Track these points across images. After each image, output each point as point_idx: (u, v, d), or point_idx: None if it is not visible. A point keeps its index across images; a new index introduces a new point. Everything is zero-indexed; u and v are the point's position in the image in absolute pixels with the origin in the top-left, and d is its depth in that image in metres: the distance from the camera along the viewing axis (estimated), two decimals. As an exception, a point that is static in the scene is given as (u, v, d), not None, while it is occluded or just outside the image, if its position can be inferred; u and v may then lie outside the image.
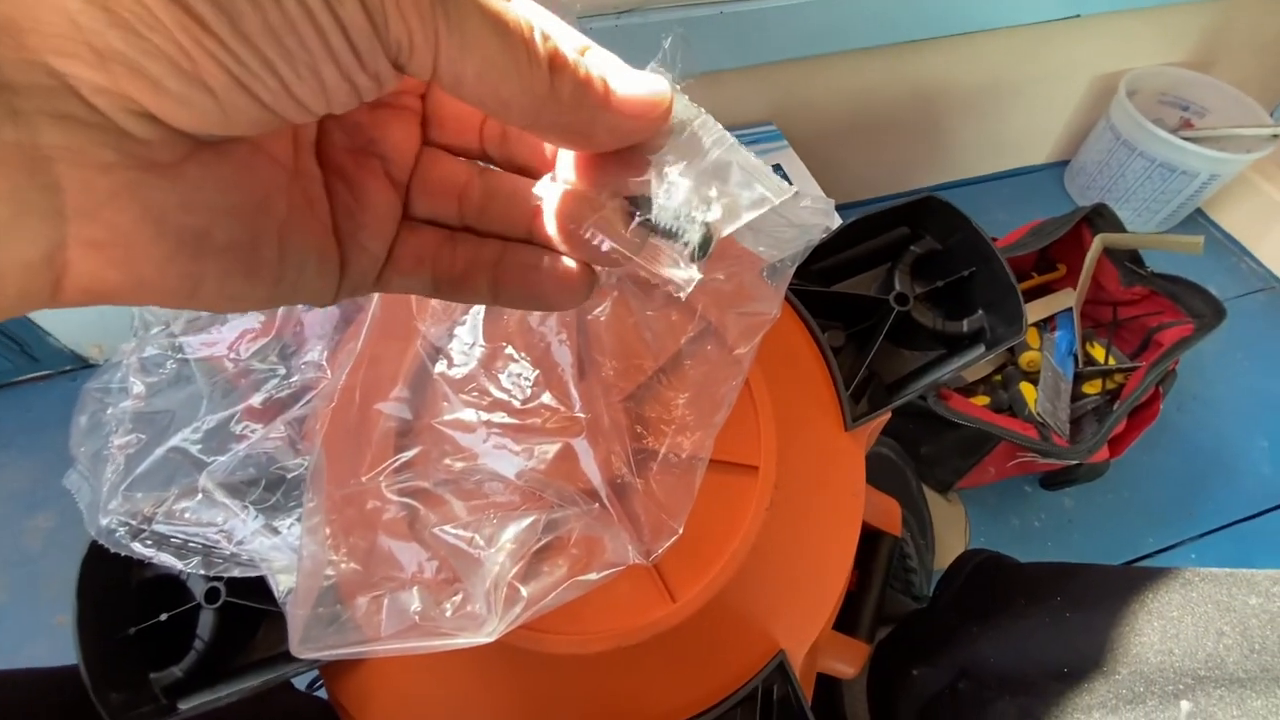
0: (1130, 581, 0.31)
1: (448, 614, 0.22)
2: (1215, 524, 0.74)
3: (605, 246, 0.18)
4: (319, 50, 0.12)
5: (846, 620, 0.44)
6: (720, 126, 0.18)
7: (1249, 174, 0.99)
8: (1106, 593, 0.32)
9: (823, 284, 0.37)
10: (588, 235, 0.18)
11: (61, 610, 0.68)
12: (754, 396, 0.32)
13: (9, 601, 0.68)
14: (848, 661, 0.40)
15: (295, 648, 0.22)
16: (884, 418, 0.34)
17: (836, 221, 0.29)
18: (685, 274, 0.18)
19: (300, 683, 0.51)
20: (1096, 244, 0.74)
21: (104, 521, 0.28)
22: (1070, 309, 0.77)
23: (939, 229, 0.35)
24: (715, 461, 0.31)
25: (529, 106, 0.14)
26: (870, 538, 0.48)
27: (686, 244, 0.18)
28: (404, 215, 0.19)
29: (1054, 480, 0.75)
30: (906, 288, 0.34)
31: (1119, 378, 0.75)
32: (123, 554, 0.27)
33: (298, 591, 0.23)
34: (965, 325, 0.34)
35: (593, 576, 0.23)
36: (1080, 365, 0.76)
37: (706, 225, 0.18)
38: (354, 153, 0.18)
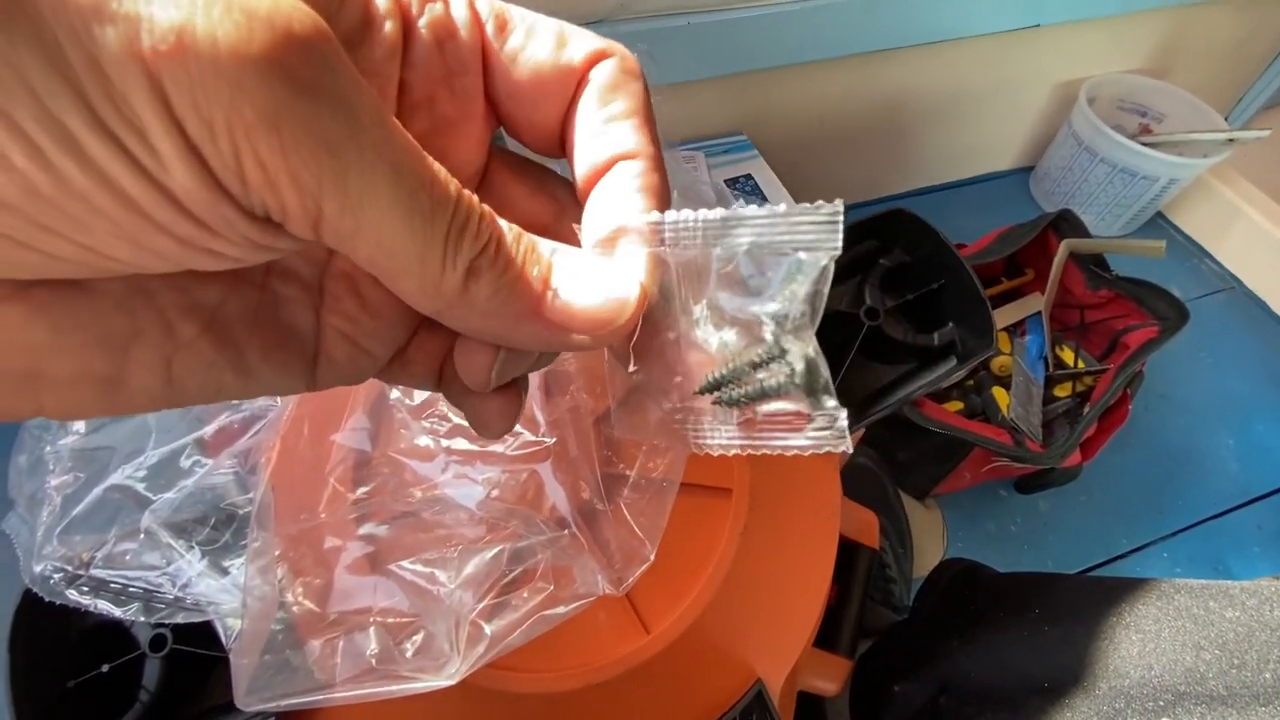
0: (1107, 593, 0.31)
1: (408, 655, 0.21)
2: (1186, 522, 0.75)
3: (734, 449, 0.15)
4: (132, 222, 0.09)
5: (826, 636, 0.44)
6: (701, 217, 0.14)
7: (1207, 177, 1.02)
8: (1084, 605, 0.32)
9: (794, 298, 0.36)
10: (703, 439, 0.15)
11: None
12: (726, 416, 0.31)
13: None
14: (829, 679, 0.39)
15: (241, 698, 0.20)
16: (857, 434, 0.34)
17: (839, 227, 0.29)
18: (825, 424, 0.14)
19: None
20: (1062, 249, 0.75)
21: (38, 569, 0.26)
22: (1039, 313, 0.78)
23: (908, 241, 0.35)
24: (687, 485, 0.30)
25: (429, 304, 0.12)
26: (848, 551, 0.47)
27: (785, 387, 0.14)
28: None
29: (1029, 484, 0.75)
30: (877, 301, 0.34)
31: (1088, 380, 0.76)
32: (58, 602, 0.25)
33: (243, 637, 0.22)
34: (936, 338, 0.34)
35: (561, 610, 0.22)
36: (1051, 369, 0.77)
37: (784, 350, 0.13)
38: None
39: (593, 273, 0.13)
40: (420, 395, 0.27)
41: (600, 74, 0.14)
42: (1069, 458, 0.63)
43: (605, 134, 0.14)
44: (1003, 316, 0.81)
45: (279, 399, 0.29)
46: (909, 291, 0.34)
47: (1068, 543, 0.74)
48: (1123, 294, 0.77)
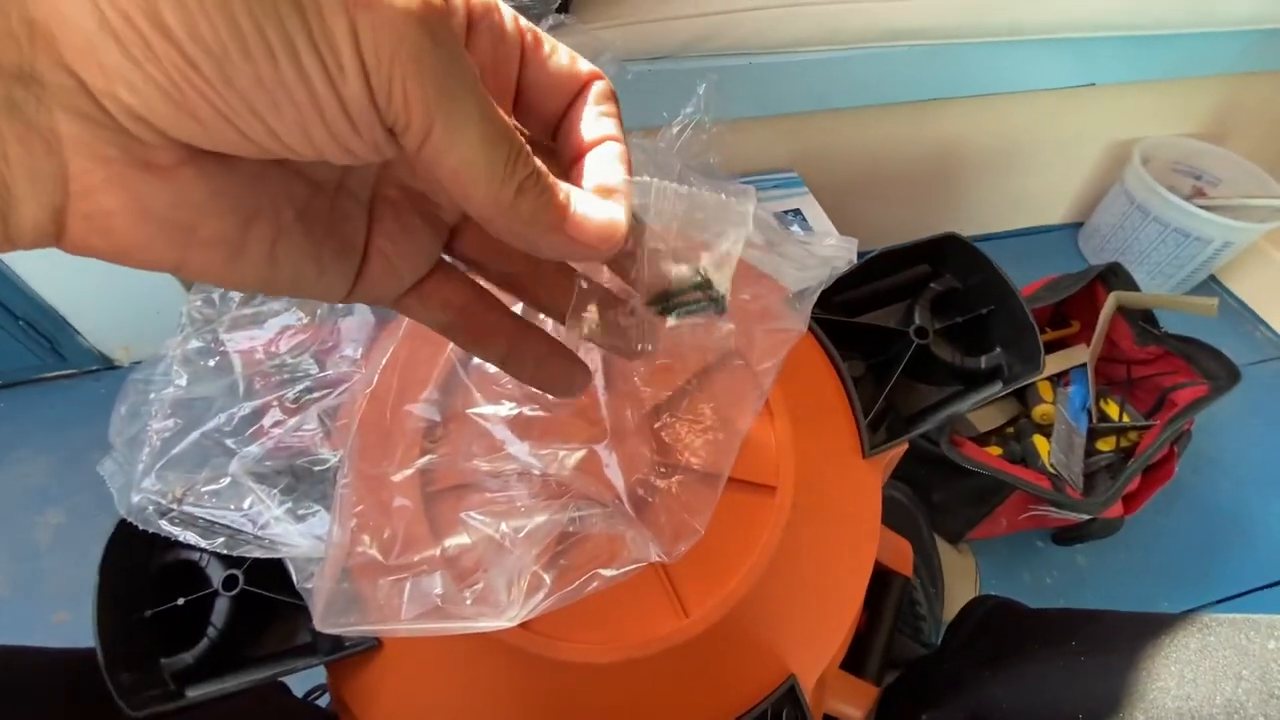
0: (1147, 627, 0.31)
1: (468, 601, 0.22)
2: (1233, 590, 0.72)
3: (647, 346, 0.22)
4: (310, 112, 0.13)
5: (854, 660, 0.44)
6: (673, 186, 0.21)
7: (1262, 244, 1.00)
8: (1123, 637, 0.31)
9: (845, 315, 0.38)
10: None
11: (61, 608, 0.68)
12: (774, 418, 0.32)
13: (10, 596, 0.68)
14: (855, 704, 0.39)
15: (318, 621, 0.22)
16: (900, 448, 0.35)
17: (855, 257, 0.31)
18: (723, 331, 0.22)
19: (297, 691, 0.50)
20: (1111, 301, 0.75)
21: (135, 499, 0.29)
22: (1084, 365, 0.78)
23: (959, 267, 0.36)
24: (733, 480, 0.31)
25: (488, 210, 0.16)
26: (881, 577, 0.47)
27: (704, 307, 0.21)
28: (449, 251, 0.20)
29: (1067, 536, 0.74)
30: (926, 322, 0.35)
31: (1133, 435, 0.75)
32: (150, 531, 0.28)
33: (325, 564, 0.23)
34: (983, 362, 0.35)
35: (614, 572, 0.23)
36: (1094, 421, 0.76)
37: (710, 286, 0.21)
38: (407, 190, 0.19)
39: (597, 202, 0.17)
40: (490, 368, 0.29)
41: (597, 86, 0.19)
42: (1110, 509, 0.62)
43: (598, 124, 0.19)
44: (1047, 366, 0.80)
45: (363, 366, 0.32)
46: (958, 315, 0.36)
47: (1106, 600, 0.71)
48: (1172, 351, 0.76)
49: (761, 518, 0.31)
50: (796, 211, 0.80)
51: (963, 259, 0.36)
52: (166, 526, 0.27)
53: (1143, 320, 0.79)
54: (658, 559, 0.24)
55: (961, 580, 0.70)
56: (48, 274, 0.72)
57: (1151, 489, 0.67)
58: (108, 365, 0.85)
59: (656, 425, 0.31)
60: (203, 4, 0.11)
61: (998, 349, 0.34)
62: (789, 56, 0.73)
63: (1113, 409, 0.78)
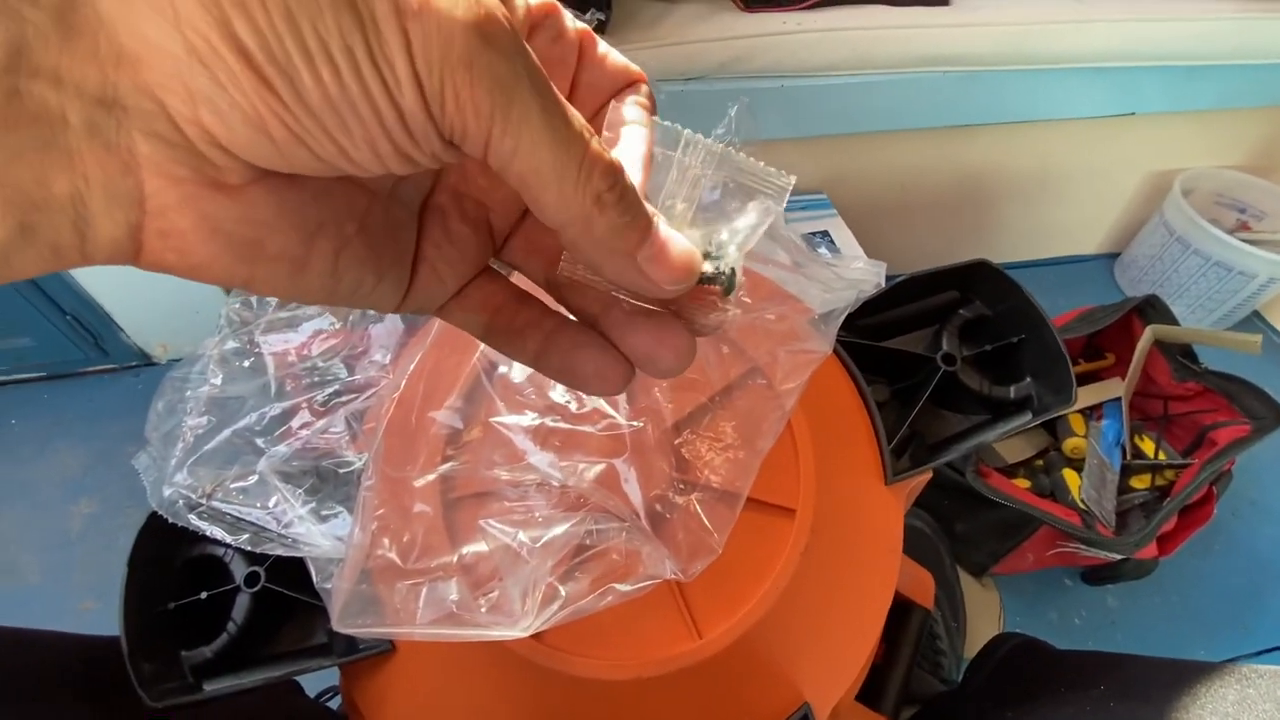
0: (1181, 674, 0.29)
1: (483, 609, 0.22)
2: (1273, 641, 0.69)
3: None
4: (375, 127, 0.13)
5: (871, 693, 0.43)
6: (705, 140, 0.19)
7: (1310, 281, 0.97)
8: (1156, 685, 0.30)
9: (871, 340, 0.37)
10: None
11: (89, 597, 0.69)
12: (796, 441, 0.32)
13: (41, 583, 0.70)
14: (871, 736, 0.38)
15: (336, 621, 0.22)
16: (924, 477, 0.34)
17: (883, 281, 0.31)
18: (727, 315, 0.19)
19: (310, 691, 0.50)
20: (1147, 334, 0.73)
21: (167, 493, 0.29)
22: (1119, 398, 0.76)
23: (989, 295, 0.36)
24: (753, 501, 0.31)
25: (562, 217, 0.15)
26: (901, 608, 0.46)
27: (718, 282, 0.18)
28: (497, 256, 0.20)
29: (1097, 575, 0.71)
30: (954, 349, 0.35)
31: (1169, 474, 0.72)
32: (179, 524, 0.28)
33: (345, 565, 0.24)
34: (1012, 391, 0.34)
35: (629, 587, 0.23)
36: (1128, 458, 0.74)
37: (730, 268, 0.18)
38: (459, 196, 0.19)
39: (676, 235, 0.17)
40: (520, 375, 0.30)
41: (641, 87, 0.20)
42: (1144, 549, 0.60)
43: (629, 110, 0.19)
44: (1079, 399, 0.78)
45: (390, 371, 0.32)
46: (987, 343, 0.35)
47: (1137, 644, 0.69)
48: (1212, 388, 0.73)
49: (779, 540, 0.30)
50: (824, 234, 0.80)
51: (993, 286, 0.35)
52: (195, 521, 0.28)
53: (1181, 355, 0.77)
54: (673, 576, 0.24)
55: (985, 616, 0.68)
56: (96, 271, 0.75)
57: (1188, 530, 0.65)
58: (146, 362, 0.88)
59: (677, 441, 0.31)
60: (273, 23, 0.12)
61: (1028, 379, 0.34)
62: (821, 80, 0.73)
63: (1148, 446, 0.76)
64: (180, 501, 0.29)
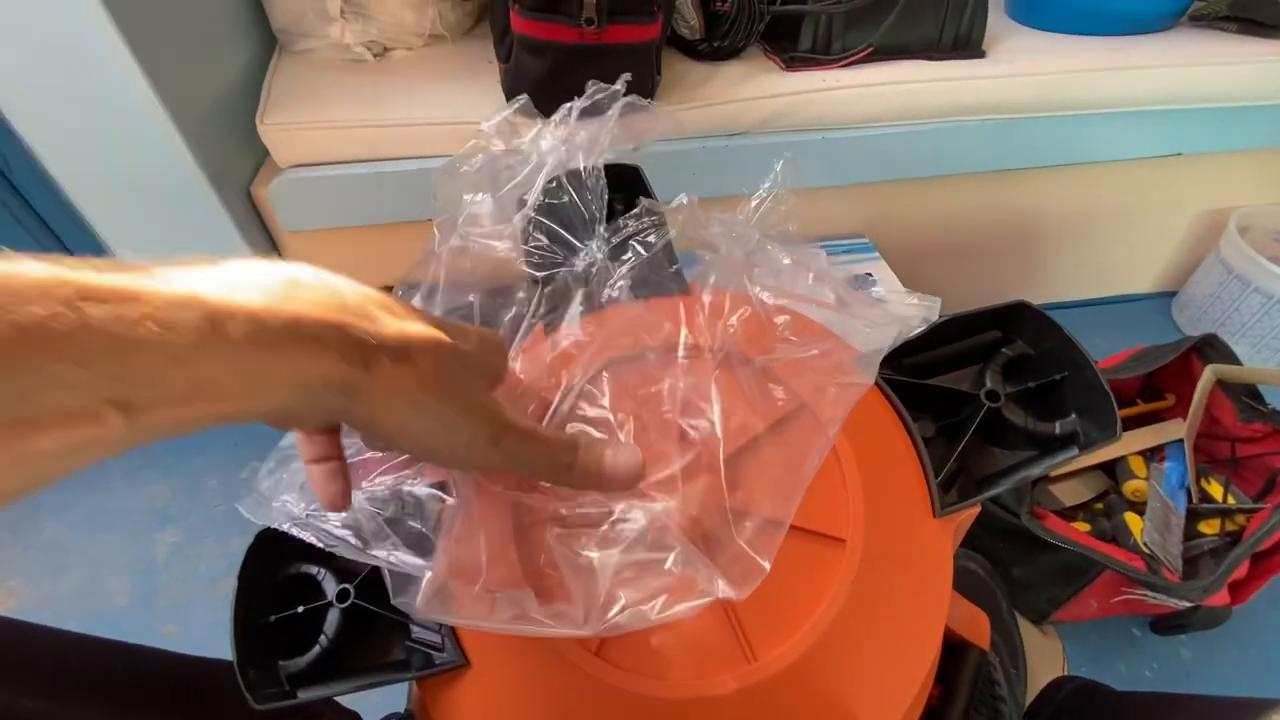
0: (1245, 710, 0.29)
1: (548, 618, 0.25)
2: (1371, 703, 0.64)
3: None
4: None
5: (927, 735, 0.42)
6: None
7: (1386, 319, 0.93)
8: (1219, 724, 0.30)
9: (916, 378, 0.39)
10: None
11: (171, 621, 0.74)
12: (844, 473, 0.34)
13: (127, 605, 0.75)
14: (927, 778, 0.38)
15: (421, 607, 0.25)
16: (972, 511, 0.35)
17: (936, 317, 0.33)
18: None
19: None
20: (1207, 375, 0.71)
21: (275, 506, 0.33)
22: (1181, 440, 0.74)
23: (1030, 334, 0.37)
24: (804, 531, 0.33)
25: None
26: (956, 648, 0.46)
27: None
28: None
29: (1167, 624, 0.68)
30: (998, 386, 0.36)
31: (1240, 519, 0.70)
32: (283, 531, 0.32)
33: (437, 562, 0.27)
34: (1057, 427, 0.35)
35: (683, 606, 0.25)
36: (1195, 502, 0.71)
37: None
38: None
39: (625, 450, 0.27)
40: (600, 412, 0.33)
41: None
42: (1214, 596, 0.58)
43: None
44: (1139, 439, 0.77)
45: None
46: (1030, 380, 0.36)
47: (1216, 702, 0.65)
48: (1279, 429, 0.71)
49: (830, 569, 0.32)
50: (868, 275, 0.82)
51: (1034, 326, 0.37)
52: (297, 532, 0.32)
53: (1246, 396, 0.75)
54: (725, 595, 0.26)
55: (1046, 665, 0.65)
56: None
57: (1263, 578, 0.62)
58: (228, 401, 0.95)
59: (729, 471, 0.33)
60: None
61: (1072, 414, 0.35)
62: (862, 131, 0.76)
63: (1216, 489, 0.73)
64: (284, 518, 0.32)
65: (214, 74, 0.69)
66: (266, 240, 0.76)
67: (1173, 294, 1.09)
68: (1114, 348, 0.83)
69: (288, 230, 0.74)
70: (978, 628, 0.46)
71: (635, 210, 0.39)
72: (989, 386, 0.36)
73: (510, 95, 0.67)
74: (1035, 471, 0.35)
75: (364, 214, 0.73)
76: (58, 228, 0.69)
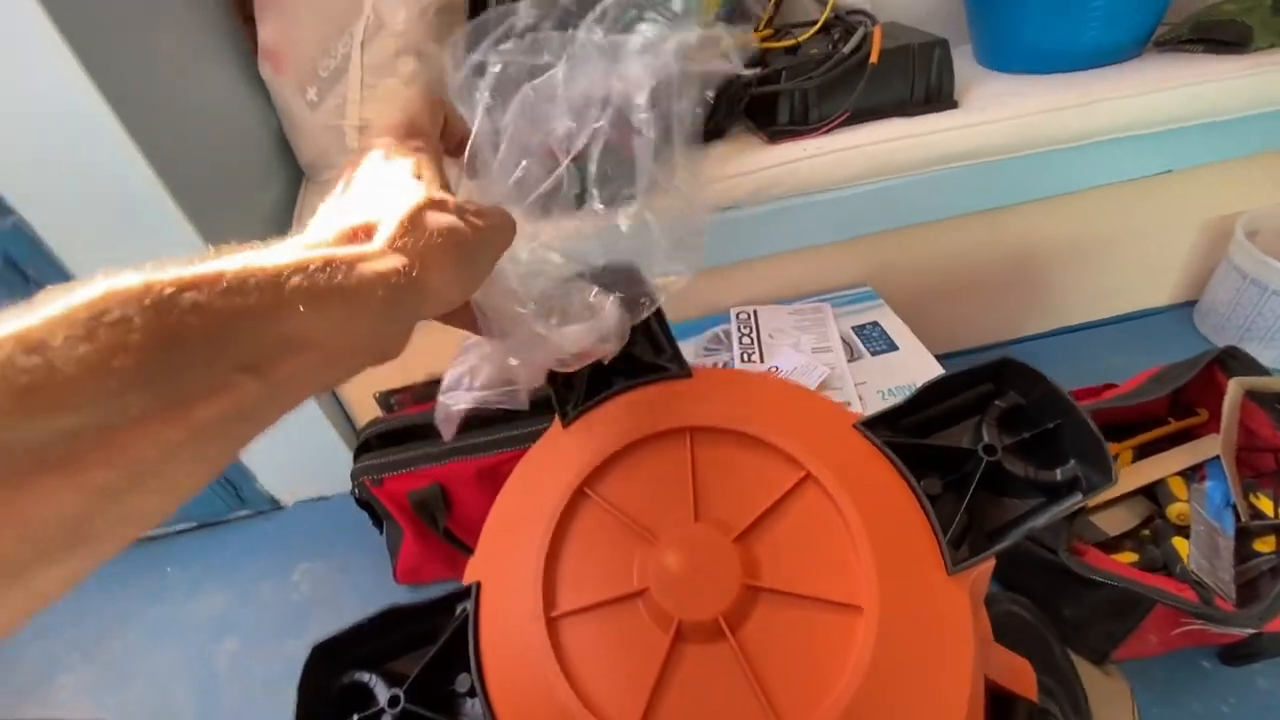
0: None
1: None
2: None
3: None
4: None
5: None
6: None
7: None
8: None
9: (918, 436, 0.41)
10: None
11: (233, 731, 0.76)
12: (855, 540, 0.35)
13: (193, 715, 0.77)
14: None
15: None
16: (987, 564, 0.36)
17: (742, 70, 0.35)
18: None
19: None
20: (1233, 389, 0.71)
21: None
22: (1219, 457, 0.72)
23: (1020, 386, 0.38)
24: (821, 601, 0.34)
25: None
26: (1004, 702, 0.45)
27: None
28: None
29: (1236, 654, 0.65)
30: (995, 439, 0.37)
31: (1296, 534, 0.67)
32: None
33: None
34: (1059, 474, 0.36)
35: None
36: (1245, 519, 0.69)
37: None
38: None
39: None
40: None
41: None
42: (1274, 620, 0.56)
43: None
44: (1174, 460, 0.75)
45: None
46: (1026, 430, 0.38)
47: (1303, 734, 0.61)
48: (1323, 437, 0.69)
49: (851, 637, 0.33)
50: (874, 324, 0.84)
51: (1021, 378, 0.38)
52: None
53: (1279, 403, 0.73)
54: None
55: (1114, 709, 0.63)
56: (239, 433, 0.88)
57: (1329, 596, 0.59)
58: (276, 506, 0.99)
59: (741, 552, 0.35)
60: None
61: (1072, 461, 0.36)
62: (848, 190, 0.80)
63: (1266, 504, 0.71)
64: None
65: (249, 209, 0.77)
66: (304, 354, 0.82)
67: (1193, 303, 1.08)
68: (1137, 366, 0.83)
69: (323, 343, 0.80)
70: (1023, 678, 0.46)
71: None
72: (986, 440, 0.37)
73: (515, 200, 0.72)
74: (1043, 519, 0.36)
75: (391, 320, 0.78)
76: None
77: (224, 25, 0.79)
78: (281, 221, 0.81)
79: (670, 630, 0.34)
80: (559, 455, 0.44)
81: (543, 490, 0.41)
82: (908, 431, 0.41)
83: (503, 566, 0.40)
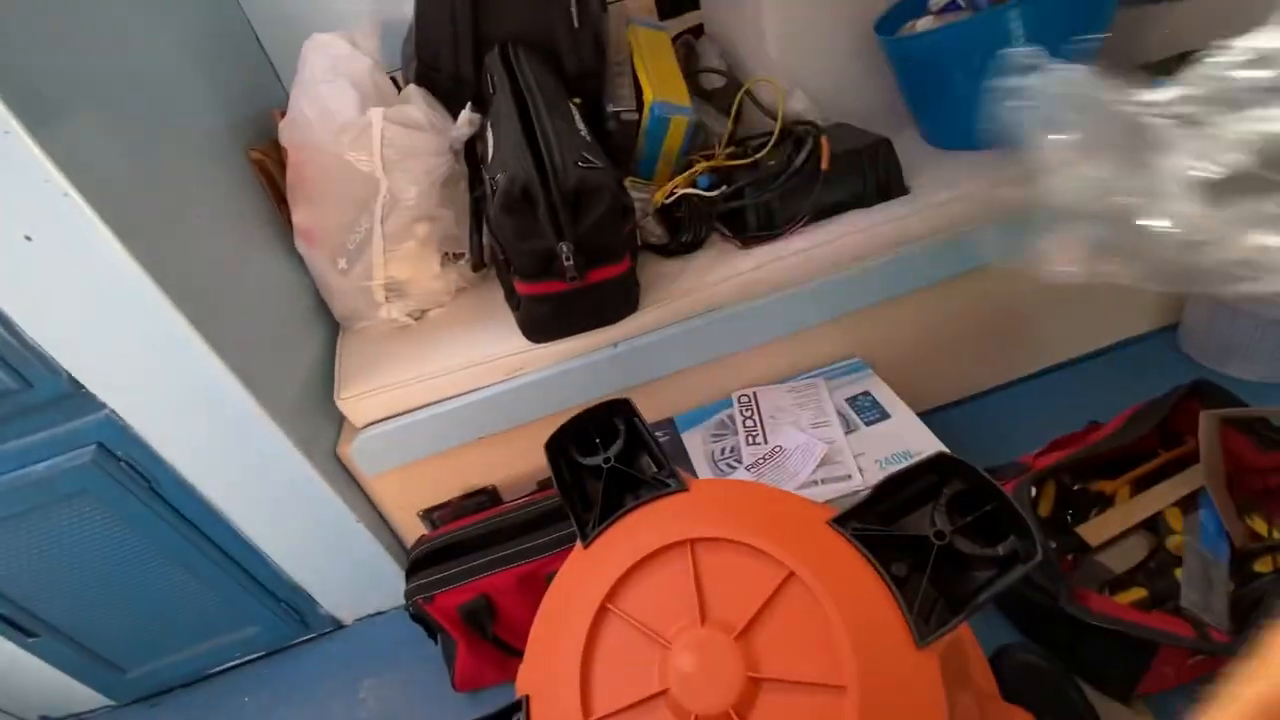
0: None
1: None
2: None
3: None
4: None
5: None
6: None
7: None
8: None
9: (884, 524, 0.47)
10: None
11: None
12: (830, 625, 0.42)
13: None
14: None
15: None
16: (954, 634, 0.42)
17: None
18: None
19: None
20: (1205, 423, 0.75)
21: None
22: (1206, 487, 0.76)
23: (959, 475, 0.45)
24: (806, 685, 0.40)
25: None
26: (1009, 755, 0.50)
27: None
28: None
29: (1255, 680, 0.67)
30: (944, 523, 0.44)
31: (1292, 553, 0.70)
32: None
33: None
34: (1000, 550, 0.42)
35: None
36: (1240, 543, 0.72)
37: None
38: None
39: None
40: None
41: None
42: None
43: None
44: (1166, 493, 0.79)
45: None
46: (969, 514, 0.44)
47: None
48: (1302, 455, 0.73)
49: (838, 713, 0.39)
50: (866, 393, 0.91)
51: (955, 470, 0.45)
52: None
53: (1260, 428, 0.77)
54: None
55: (1143, 746, 0.65)
56: (301, 561, 0.96)
57: (1326, 614, 0.62)
58: (338, 626, 1.06)
59: (743, 647, 0.42)
60: None
61: (1010, 536, 0.42)
62: (822, 281, 0.89)
63: (1261, 525, 0.74)
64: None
65: (294, 366, 0.88)
66: (354, 486, 0.91)
67: (1175, 326, 1.12)
68: (1132, 397, 0.87)
69: (369, 475, 0.89)
70: (1024, 730, 0.50)
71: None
72: (936, 526, 0.44)
73: (526, 333, 0.83)
74: (995, 589, 0.42)
75: (429, 447, 0.88)
76: (195, 519, 0.86)
77: (263, 212, 0.93)
78: (326, 368, 0.92)
79: (689, 724, 0.40)
80: (583, 575, 0.51)
81: (571, 608, 0.48)
82: (876, 519, 0.48)
83: (545, 679, 0.47)
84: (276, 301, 0.90)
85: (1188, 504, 0.79)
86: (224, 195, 0.85)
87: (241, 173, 0.90)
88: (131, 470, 0.78)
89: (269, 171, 0.93)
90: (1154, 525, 0.79)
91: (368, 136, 0.77)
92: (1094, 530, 0.79)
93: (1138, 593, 0.73)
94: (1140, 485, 0.83)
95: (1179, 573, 0.72)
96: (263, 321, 0.84)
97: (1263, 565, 0.71)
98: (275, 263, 0.92)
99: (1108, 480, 0.83)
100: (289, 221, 0.93)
